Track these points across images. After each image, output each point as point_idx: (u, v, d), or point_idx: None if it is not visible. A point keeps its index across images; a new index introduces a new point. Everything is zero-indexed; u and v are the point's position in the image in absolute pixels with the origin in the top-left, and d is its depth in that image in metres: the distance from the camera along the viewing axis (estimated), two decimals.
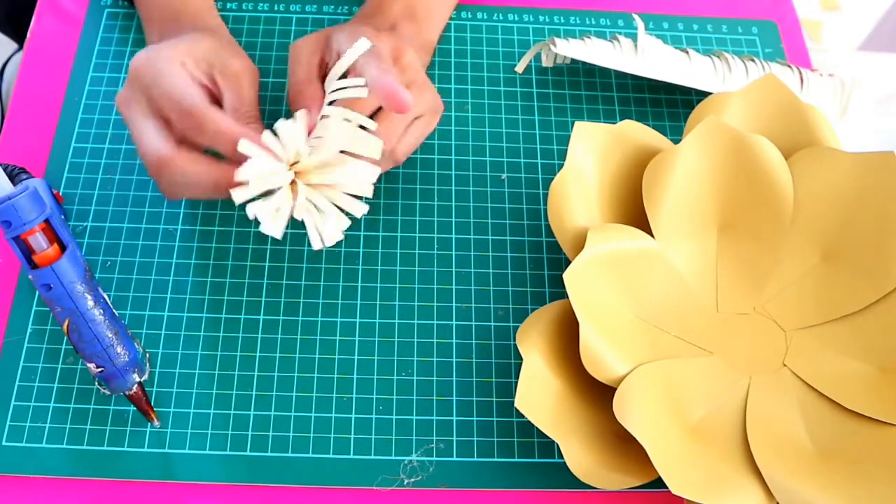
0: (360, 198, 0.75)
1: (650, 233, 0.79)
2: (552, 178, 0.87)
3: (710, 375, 0.77)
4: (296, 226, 0.87)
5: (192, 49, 0.77)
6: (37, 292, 0.82)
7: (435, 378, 0.81)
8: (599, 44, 0.94)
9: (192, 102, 0.71)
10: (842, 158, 0.81)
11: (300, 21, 1.00)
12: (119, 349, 0.72)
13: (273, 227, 0.70)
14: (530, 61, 0.99)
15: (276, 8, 1.01)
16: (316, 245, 0.72)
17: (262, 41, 0.98)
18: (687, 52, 0.96)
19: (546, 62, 0.97)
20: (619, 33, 1.03)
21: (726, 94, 0.85)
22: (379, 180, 0.89)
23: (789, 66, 0.97)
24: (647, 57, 0.94)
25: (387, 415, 0.80)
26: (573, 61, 0.98)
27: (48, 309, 0.81)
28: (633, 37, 0.99)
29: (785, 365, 0.78)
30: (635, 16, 0.97)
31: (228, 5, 1.00)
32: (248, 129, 0.71)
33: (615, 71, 0.98)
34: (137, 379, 0.74)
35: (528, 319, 0.76)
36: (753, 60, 0.96)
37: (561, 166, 0.90)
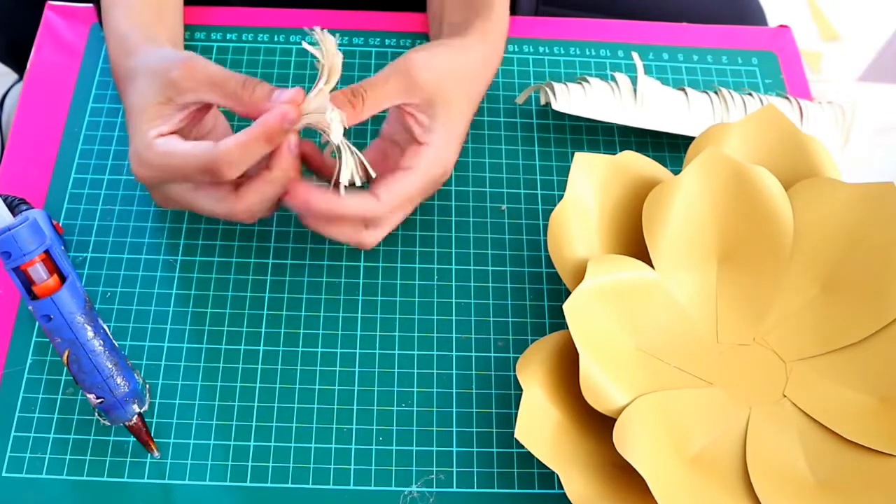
0: None
1: (650, 264, 0.79)
2: (552, 209, 0.87)
3: (710, 406, 0.77)
4: (297, 256, 0.87)
5: (147, 112, 0.75)
6: (37, 323, 0.82)
7: (435, 409, 0.81)
8: (598, 87, 0.94)
9: (213, 159, 0.72)
10: (842, 189, 0.81)
11: (300, 52, 1.00)
12: (119, 380, 0.72)
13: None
14: (531, 94, 0.99)
15: (276, 39, 1.01)
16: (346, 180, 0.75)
17: (262, 72, 0.98)
18: (685, 91, 0.96)
19: (543, 101, 0.97)
20: (620, 65, 1.03)
21: (726, 125, 0.85)
22: None
23: (788, 99, 0.97)
24: (646, 105, 0.94)
25: (387, 446, 0.79)
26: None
27: (48, 340, 0.81)
28: (633, 72, 1.00)
29: (785, 396, 0.78)
30: (635, 55, 0.97)
31: (228, 36, 1.01)
32: (268, 107, 0.73)
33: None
34: (137, 410, 0.74)
35: (528, 350, 0.76)
36: (752, 94, 0.97)
37: (561, 197, 0.90)
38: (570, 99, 0.93)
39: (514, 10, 1.07)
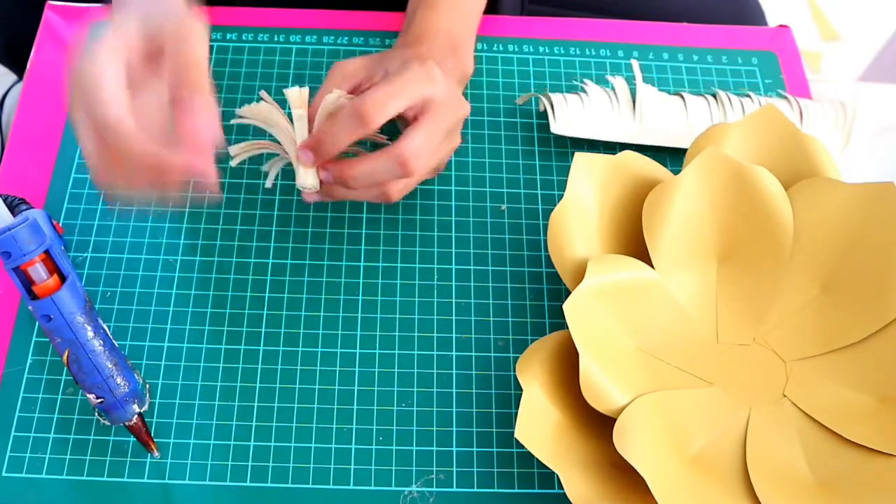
0: None
1: (650, 263, 0.79)
2: (552, 209, 0.87)
3: (710, 406, 0.77)
4: (297, 256, 0.87)
5: (125, 32, 0.68)
6: (37, 323, 0.82)
7: (435, 408, 0.81)
8: (596, 100, 0.94)
9: (113, 117, 0.65)
10: (841, 189, 0.81)
11: (300, 52, 1.00)
12: (119, 380, 0.72)
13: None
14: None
15: (276, 39, 1.01)
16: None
17: (262, 72, 0.98)
18: (683, 97, 0.96)
19: (542, 109, 0.97)
20: (619, 65, 1.03)
21: (726, 125, 0.85)
22: (378, 210, 0.90)
23: (787, 99, 0.97)
24: (645, 122, 0.94)
25: (387, 445, 0.79)
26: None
27: (48, 340, 0.81)
28: (631, 76, 1.00)
29: (785, 396, 0.78)
30: (634, 63, 0.97)
31: (228, 36, 1.01)
32: (163, 152, 0.65)
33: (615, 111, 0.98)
34: (137, 410, 0.74)
35: (528, 350, 0.76)
36: (750, 97, 0.97)
37: (561, 197, 0.90)
38: (569, 118, 0.93)
39: (498, 9, 1.07)
